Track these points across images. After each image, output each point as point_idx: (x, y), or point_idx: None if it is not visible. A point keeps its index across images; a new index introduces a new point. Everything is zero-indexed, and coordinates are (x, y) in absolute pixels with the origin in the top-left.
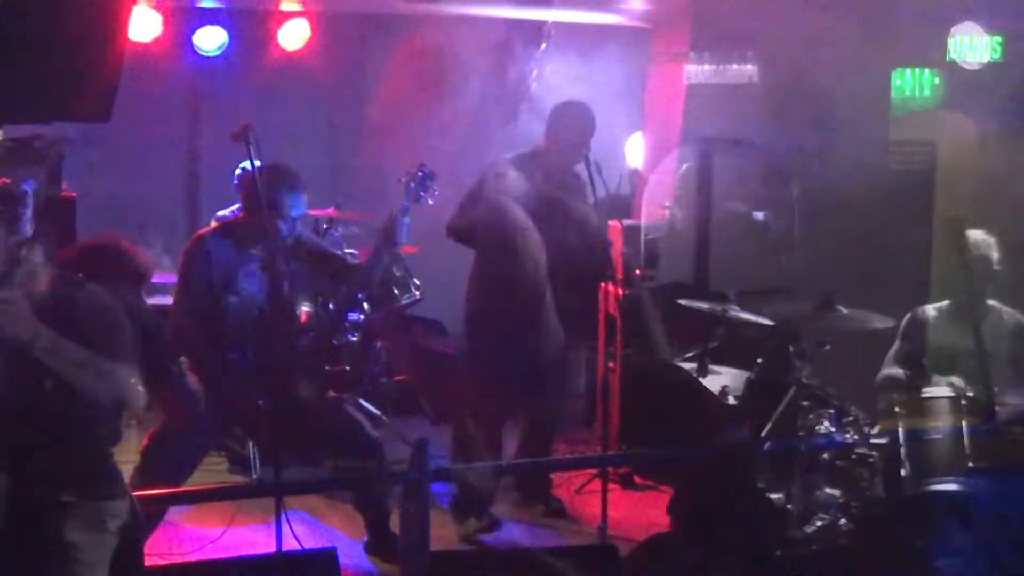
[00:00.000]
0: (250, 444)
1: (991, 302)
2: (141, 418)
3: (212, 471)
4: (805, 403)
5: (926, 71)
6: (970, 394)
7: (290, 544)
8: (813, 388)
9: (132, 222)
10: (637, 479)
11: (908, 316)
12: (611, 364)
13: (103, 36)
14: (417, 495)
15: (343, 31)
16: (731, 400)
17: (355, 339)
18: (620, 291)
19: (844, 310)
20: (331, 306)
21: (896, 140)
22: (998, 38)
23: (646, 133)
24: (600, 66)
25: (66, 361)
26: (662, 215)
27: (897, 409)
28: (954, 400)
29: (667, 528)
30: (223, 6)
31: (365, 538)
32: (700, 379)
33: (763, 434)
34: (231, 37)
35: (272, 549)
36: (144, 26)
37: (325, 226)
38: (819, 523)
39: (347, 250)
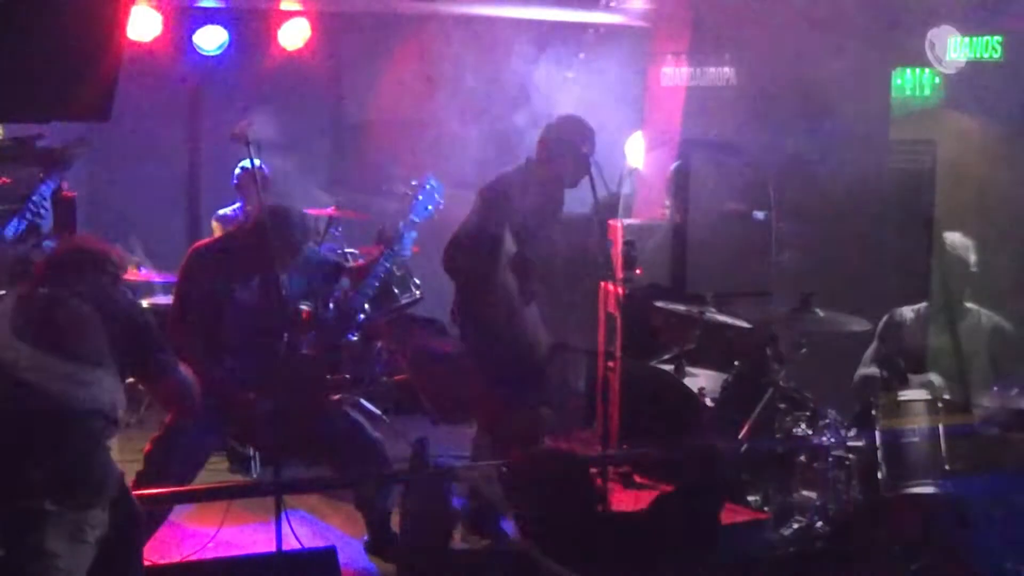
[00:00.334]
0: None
1: (968, 304)
2: (142, 418)
3: (213, 470)
4: (782, 405)
5: (927, 70)
6: (946, 396)
7: (290, 543)
8: (790, 390)
9: (132, 221)
10: (637, 478)
11: (885, 317)
12: (611, 364)
13: (102, 35)
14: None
15: (343, 31)
16: (708, 402)
17: (355, 338)
18: (620, 290)
19: (821, 312)
20: (331, 306)
21: (896, 140)
22: (998, 38)
23: (646, 132)
24: (600, 65)
25: (48, 375)
26: (662, 215)
27: (874, 411)
28: (930, 402)
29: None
30: (223, 5)
31: (365, 537)
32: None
33: (740, 436)
34: (231, 37)
35: (272, 548)
36: (144, 26)
37: (325, 226)
38: (795, 525)
39: (348, 249)
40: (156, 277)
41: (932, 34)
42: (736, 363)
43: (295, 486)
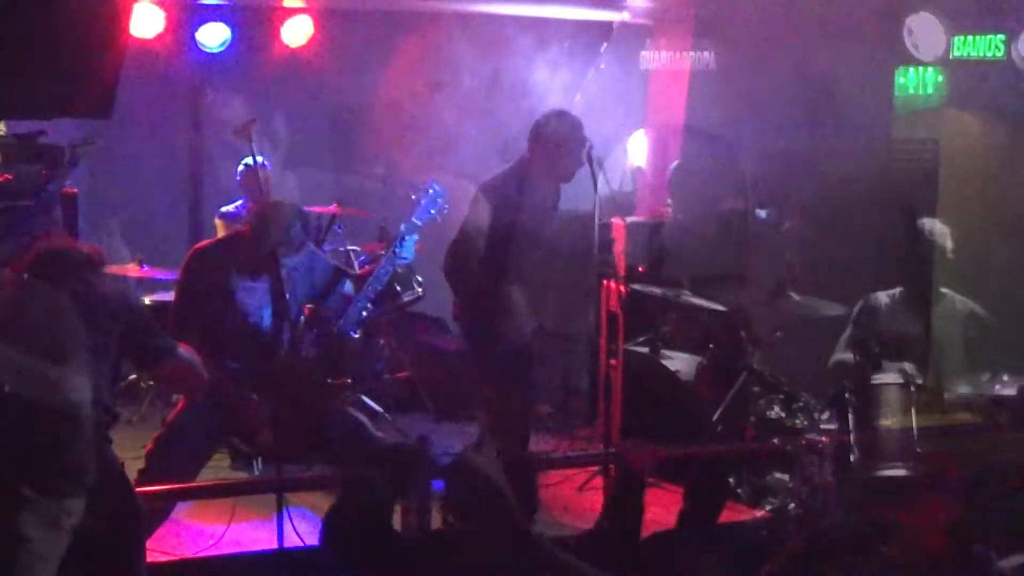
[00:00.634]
0: None
1: (944, 290)
2: (144, 415)
3: (214, 467)
4: (756, 388)
5: (929, 69)
6: (919, 381)
7: (292, 540)
8: (764, 374)
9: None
10: None
11: (860, 302)
12: (613, 361)
13: (104, 32)
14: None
15: (346, 28)
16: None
17: (357, 335)
18: (622, 288)
19: (796, 297)
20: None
21: (899, 138)
22: (1001, 36)
23: (648, 131)
24: (601, 62)
25: (23, 371)
26: (665, 212)
27: (847, 395)
28: (903, 387)
29: (669, 525)
30: (226, 2)
31: None
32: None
33: (714, 419)
34: (234, 33)
35: (274, 545)
36: (147, 22)
37: (327, 223)
38: (768, 507)
39: (350, 247)
40: (157, 274)
41: (911, 21)
42: (711, 346)
43: (297, 483)
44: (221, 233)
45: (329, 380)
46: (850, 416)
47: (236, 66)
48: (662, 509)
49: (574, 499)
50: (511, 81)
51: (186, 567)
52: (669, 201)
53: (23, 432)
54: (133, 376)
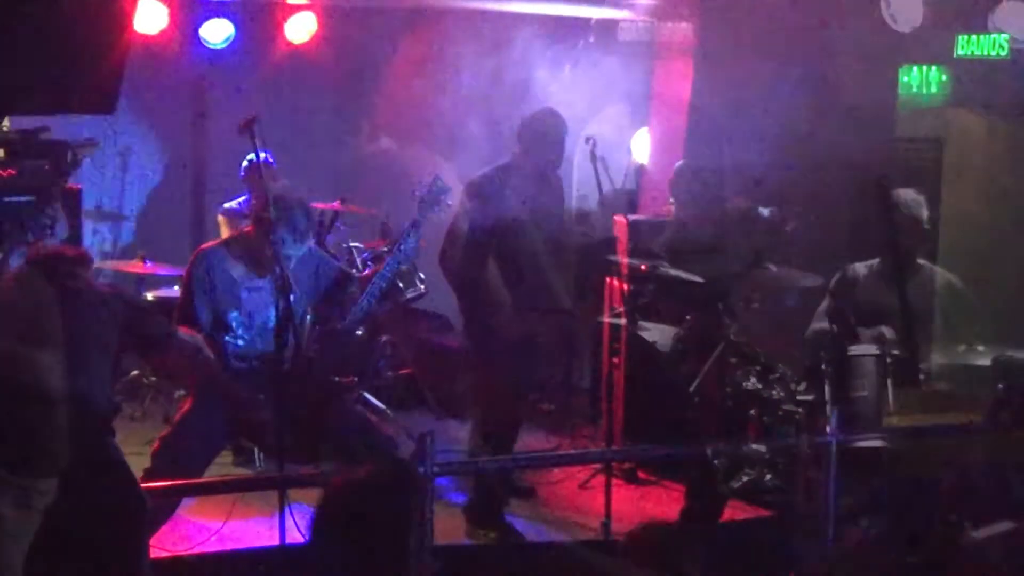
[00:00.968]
0: None
1: (921, 261)
2: (146, 411)
3: (217, 464)
4: (733, 360)
5: (933, 67)
6: (895, 352)
7: (294, 537)
8: (741, 345)
9: (137, 214)
10: (641, 474)
11: (838, 274)
12: (615, 360)
13: (108, 29)
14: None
15: (350, 24)
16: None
17: (360, 334)
18: (625, 286)
19: (773, 267)
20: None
21: (903, 137)
22: (1005, 35)
23: (652, 128)
24: (606, 61)
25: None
26: (668, 211)
27: (823, 366)
28: (879, 358)
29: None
30: None
31: None
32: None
33: (691, 390)
34: (238, 30)
35: (276, 542)
36: (150, 18)
37: (330, 220)
38: (745, 478)
39: (352, 243)
40: (160, 270)
41: None
42: (688, 317)
43: (299, 480)
44: (224, 229)
45: (335, 379)
46: (826, 387)
47: (240, 62)
48: (663, 507)
49: (576, 496)
50: (513, 79)
51: (187, 563)
52: (671, 200)
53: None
54: (135, 372)
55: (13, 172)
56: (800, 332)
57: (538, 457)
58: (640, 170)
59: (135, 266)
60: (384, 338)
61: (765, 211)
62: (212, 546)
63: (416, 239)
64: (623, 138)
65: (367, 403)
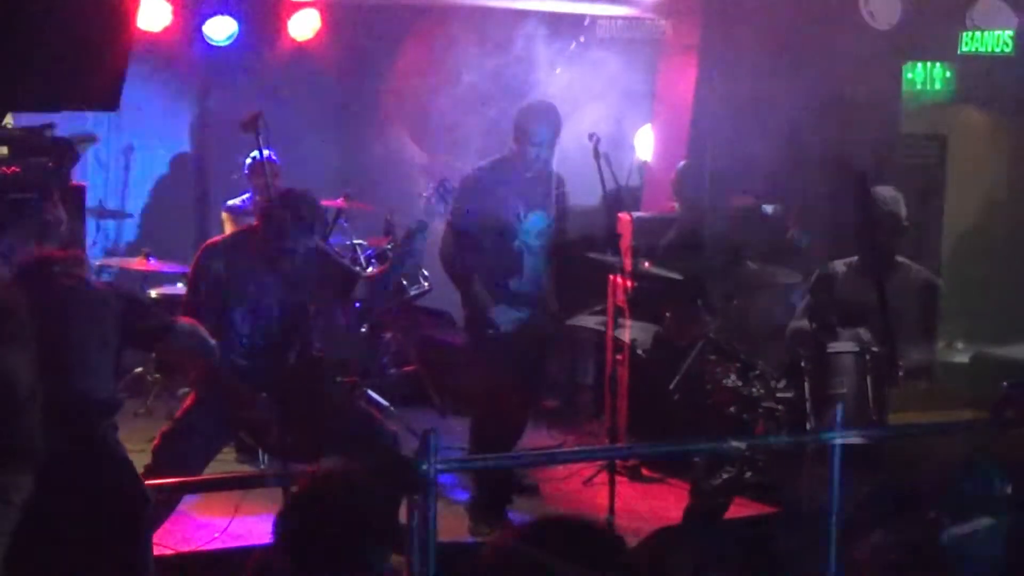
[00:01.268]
0: None
1: (900, 258)
2: (150, 408)
3: (220, 460)
4: (712, 357)
5: (938, 64)
6: (874, 349)
7: None
8: (720, 342)
9: (140, 210)
10: (645, 471)
11: (817, 271)
12: (619, 356)
13: (111, 25)
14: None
15: (353, 21)
16: (640, 353)
17: (364, 331)
18: (629, 283)
19: (752, 265)
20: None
21: (907, 134)
22: (1009, 32)
23: (655, 125)
24: (610, 58)
25: None
26: (671, 208)
27: (803, 364)
28: (858, 355)
29: (675, 520)
30: None
31: None
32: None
33: (671, 387)
34: (241, 27)
35: None
36: (154, 15)
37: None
38: (725, 476)
39: (356, 241)
40: (164, 267)
41: None
42: (667, 315)
43: (303, 476)
44: (228, 226)
45: (339, 379)
46: (806, 384)
47: (243, 59)
48: (668, 505)
49: (580, 494)
50: (516, 75)
51: (191, 560)
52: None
53: None
54: (139, 369)
55: (17, 169)
56: (780, 329)
57: (542, 454)
58: (644, 167)
59: (139, 263)
60: (388, 335)
61: (769, 208)
62: (216, 543)
63: (423, 240)
64: (626, 134)
65: (370, 400)
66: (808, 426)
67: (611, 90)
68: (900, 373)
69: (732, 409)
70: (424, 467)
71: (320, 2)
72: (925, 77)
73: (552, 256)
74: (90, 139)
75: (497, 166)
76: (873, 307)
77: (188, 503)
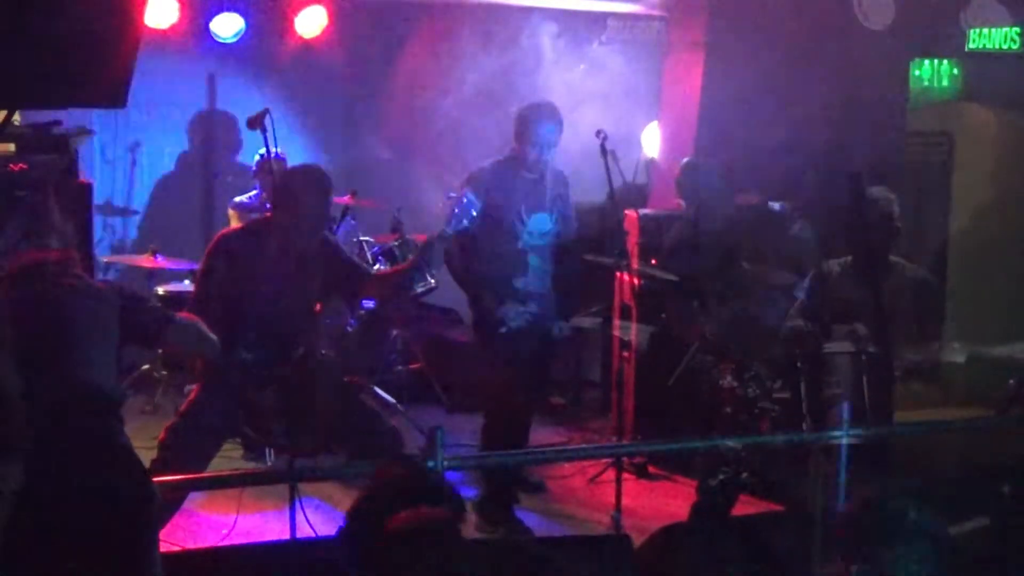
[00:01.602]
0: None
1: (894, 258)
2: (157, 405)
3: (227, 457)
4: (708, 357)
5: (945, 62)
6: (870, 349)
7: (304, 531)
8: (716, 343)
9: (147, 208)
10: (652, 469)
11: (812, 271)
12: (626, 353)
13: (118, 22)
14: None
15: (360, 18)
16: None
17: (370, 330)
18: (635, 280)
19: (746, 265)
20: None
21: (914, 131)
22: (1016, 29)
23: (662, 123)
24: (616, 55)
25: None
26: (677, 205)
27: (798, 364)
28: (854, 355)
29: (682, 518)
30: None
31: None
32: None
33: (668, 386)
34: (248, 24)
35: (286, 536)
36: (161, 12)
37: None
38: (721, 476)
39: (363, 238)
40: (171, 264)
41: None
42: (662, 315)
43: (309, 473)
44: (234, 223)
45: (345, 379)
46: (801, 384)
47: (250, 56)
48: (674, 502)
49: (586, 491)
50: (523, 72)
51: (198, 557)
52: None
53: None
54: (146, 366)
55: (24, 167)
56: (775, 330)
57: (548, 452)
58: (651, 164)
59: (146, 260)
60: (394, 332)
61: (776, 205)
62: (222, 540)
63: (441, 251)
64: (633, 132)
65: (376, 397)
66: (804, 426)
67: (617, 87)
68: (897, 373)
69: (728, 410)
70: (432, 463)
71: None
72: (932, 74)
73: (557, 255)
74: (85, 133)
75: (499, 166)
76: (867, 307)
77: (194, 500)
